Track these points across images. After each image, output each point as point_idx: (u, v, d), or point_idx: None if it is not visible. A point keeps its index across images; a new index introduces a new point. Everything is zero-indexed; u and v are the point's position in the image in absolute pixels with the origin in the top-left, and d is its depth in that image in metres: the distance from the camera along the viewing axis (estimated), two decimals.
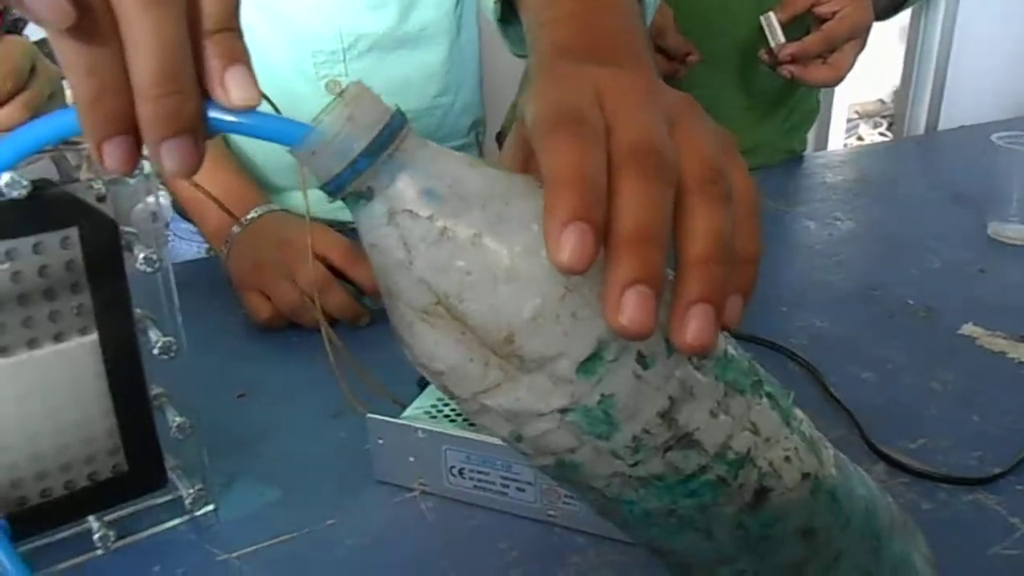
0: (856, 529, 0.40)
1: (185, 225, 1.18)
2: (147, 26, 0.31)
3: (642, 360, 0.33)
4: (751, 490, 0.37)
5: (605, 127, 0.36)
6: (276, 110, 0.41)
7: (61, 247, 0.49)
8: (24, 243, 0.48)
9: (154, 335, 0.54)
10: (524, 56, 0.86)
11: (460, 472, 0.60)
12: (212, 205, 0.83)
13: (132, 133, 0.33)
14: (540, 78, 0.42)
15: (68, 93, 0.88)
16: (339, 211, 1.07)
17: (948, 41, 3.10)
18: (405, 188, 0.33)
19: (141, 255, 0.52)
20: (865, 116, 4.27)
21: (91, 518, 0.55)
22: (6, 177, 0.46)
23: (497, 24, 0.82)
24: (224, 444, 0.65)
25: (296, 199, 1.12)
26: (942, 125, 3.11)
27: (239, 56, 0.33)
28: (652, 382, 0.34)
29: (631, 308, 0.31)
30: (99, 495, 0.55)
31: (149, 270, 0.52)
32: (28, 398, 0.50)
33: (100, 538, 0.55)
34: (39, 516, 0.53)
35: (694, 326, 0.32)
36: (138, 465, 0.56)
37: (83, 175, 0.51)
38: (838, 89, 2.91)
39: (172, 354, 0.55)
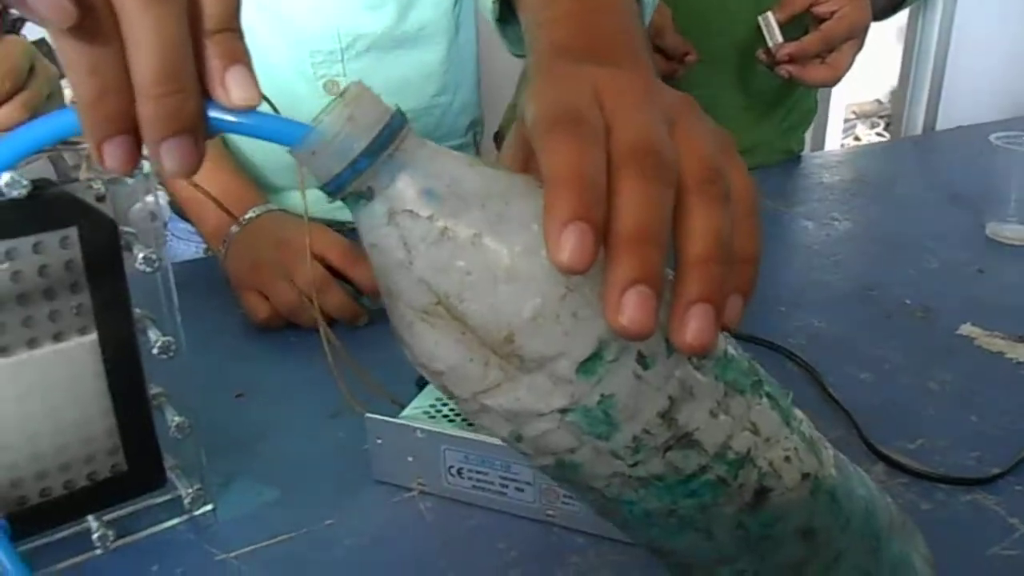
0: (856, 529, 0.40)
1: (183, 225, 1.18)
2: (148, 25, 0.31)
3: (642, 360, 0.33)
4: (751, 490, 0.37)
5: (604, 127, 0.36)
6: (275, 110, 0.41)
7: (61, 247, 0.49)
8: (24, 243, 0.48)
9: (153, 335, 0.54)
10: (522, 56, 0.86)
11: (459, 472, 0.60)
12: (210, 205, 0.83)
13: (132, 133, 0.33)
14: (539, 78, 0.42)
15: (67, 93, 0.88)
16: (337, 211, 1.07)
17: (946, 41, 3.11)
18: (405, 188, 0.33)
19: (140, 255, 0.52)
20: (862, 116, 4.27)
21: (90, 518, 0.55)
22: (6, 177, 0.46)
23: (495, 24, 0.82)
24: (222, 444, 0.65)
25: (294, 199, 1.12)
26: (940, 125, 3.11)
27: (240, 56, 0.33)
28: (652, 382, 0.34)
29: (631, 308, 0.31)
30: (98, 495, 0.55)
31: (148, 270, 0.52)
32: (28, 398, 0.50)
33: (99, 538, 0.55)
34: (39, 516, 0.53)
35: (694, 326, 0.32)
36: (137, 465, 0.56)
37: (82, 175, 0.51)
38: (835, 89, 2.91)
39: (171, 354, 0.55)
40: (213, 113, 0.33)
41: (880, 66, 3.70)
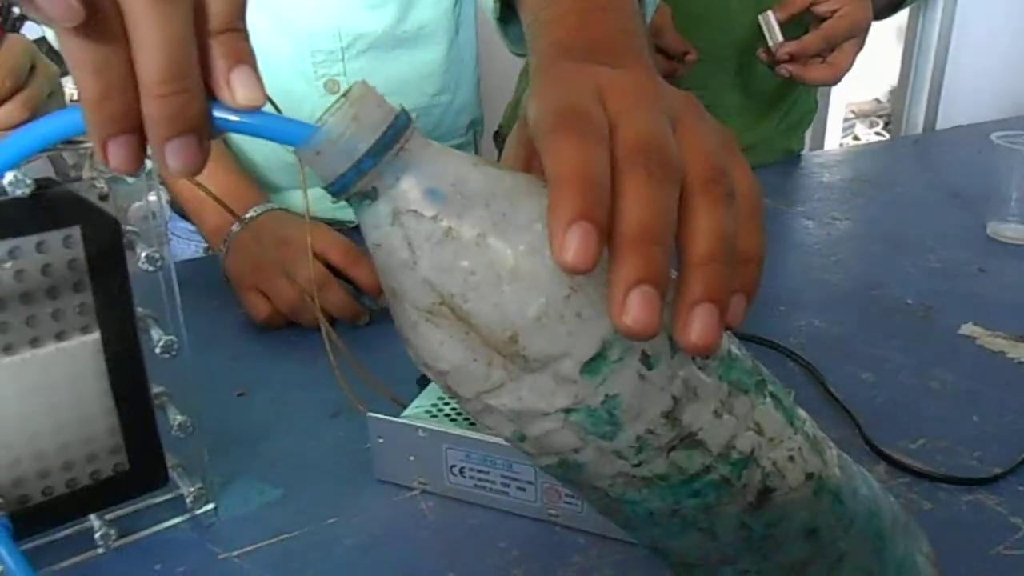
0: (859, 529, 0.40)
1: (183, 224, 1.18)
2: (154, 25, 0.31)
3: (646, 360, 0.33)
4: (755, 490, 0.37)
5: (608, 126, 0.36)
6: (277, 110, 0.41)
7: (64, 246, 0.49)
8: (27, 242, 0.48)
9: (156, 334, 0.54)
10: (523, 55, 0.86)
11: (460, 471, 0.60)
12: (211, 204, 0.83)
13: (137, 132, 0.33)
14: (541, 77, 0.42)
15: (68, 92, 0.88)
16: (338, 210, 1.07)
17: (946, 41, 3.11)
18: (409, 188, 0.33)
19: (143, 254, 0.52)
20: (861, 116, 4.27)
21: (92, 516, 0.55)
22: (9, 176, 0.46)
23: (496, 23, 0.82)
24: (224, 443, 0.65)
25: (295, 198, 1.12)
26: (939, 125, 3.12)
27: (244, 56, 0.33)
28: (656, 382, 0.34)
29: (636, 308, 0.31)
30: (101, 493, 0.55)
31: (151, 269, 0.52)
32: (31, 396, 0.50)
33: (101, 536, 0.55)
34: (41, 514, 0.53)
35: (698, 326, 0.32)
36: (139, 464, 0.56)
37: (85, 174, 0.51)
38: (835, 88, 2.92)
39: (173, 353, 0.55)
40: (218, 113, 0.33)
41: (879, 65, 3.70)
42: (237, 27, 0.33)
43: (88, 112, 0.32)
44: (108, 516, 0.56)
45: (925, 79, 3.19)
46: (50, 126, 0.35)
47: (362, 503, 0.62)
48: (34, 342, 0.50)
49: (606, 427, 0.34)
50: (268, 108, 0.34)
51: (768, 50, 1.25)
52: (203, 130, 0.33)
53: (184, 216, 1.11)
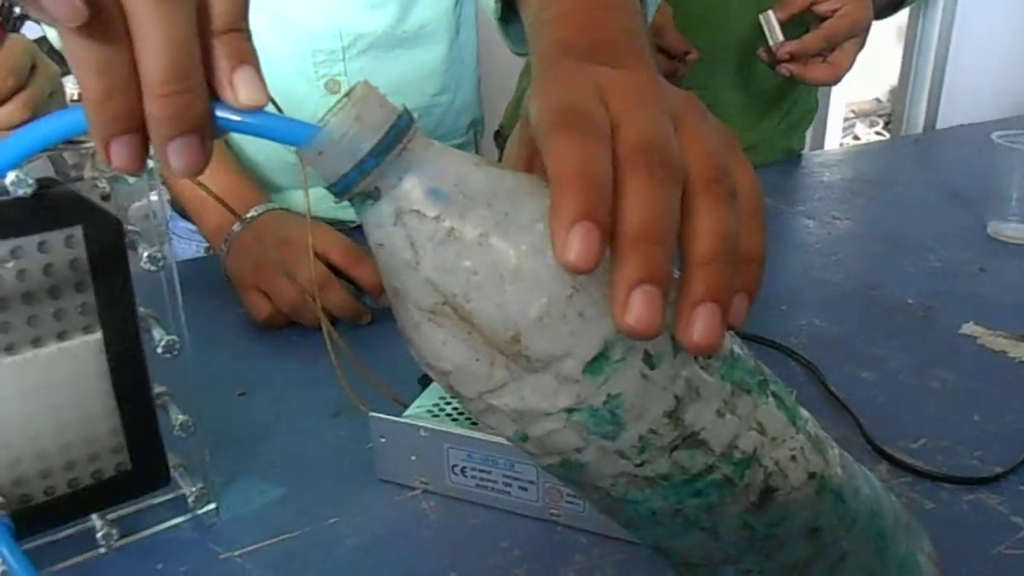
0: (861, 529, 0.40)
1: (183, 224, 1.18)
2: (158, 25, 0.31)
3: (649, 360, 0.33)
4: (757, 490, 0.37)
5: (610, 126, 0.36)
6: (279, 110, 0.41)
7: (66, 245, 0.49)
8: (29, 241, 0.48)
9: (157, 333, 0.54)
10: (524, 55, 0.86)
11: (462, 471, 0.60)
12: (212, 203, 0.83)
13: (140, 132, 0.33)
14: (543, 77, 0.42)
15: (68, 92, 0.88)
16: (339, 210, 1.07)
17: (946, 40, 3.11)
18: (412, 188, 0.33)
19: (145, 253, 0.52)
20: (861, 115, 4.27)
21: (94, 516, 0.55)
22: (11, 176, 0.46)
23: (497, 23, 0.82)
24: (225, 443, 0.65)
25: (296, 198, 1.12)
26: (940, 124, 3.11)
27: (247, 57, 0.33)
28: (659, 382, 0.34)
29: (638, 308, 0.31)
30: (102, 493, 0.55)
31: (153, 268, 0.52)
32: (32, 396, 0.50)
33: (103, 536, 0.55)
34: (43, 514, 0.53)
35: (701, 325, 0.32)
36: (141, 463, 0.56)
37: (87, 173, 0.51)
38: (835, 88, 2.92)
39: (175, 353, 0.55)
40: (220, 113, 0.33)
41: (880, 65, 3.70)
42: (240, 27, 0.34)
43: (91, 112, 0.32)
44: (110, 516, 0.56)
45: (925, 79, 3.19)
46: (51, 126, 0.35)
47: (364, 503, 0.62)
48: (36, 342, 0.50)
49: (608, 427, 0.34)
50: (269, 108, 0.34)
51: (769, 49, 1.25)
52: (206, 130, 0.33)
53: (185, 216, 1.11)
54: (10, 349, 0.49)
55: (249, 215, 0.91)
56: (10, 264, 0.48)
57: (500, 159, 0.72)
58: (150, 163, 0.35)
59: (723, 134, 0.39)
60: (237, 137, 1.07)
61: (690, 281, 0.33)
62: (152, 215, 0.53)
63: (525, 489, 0.59)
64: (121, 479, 0.55)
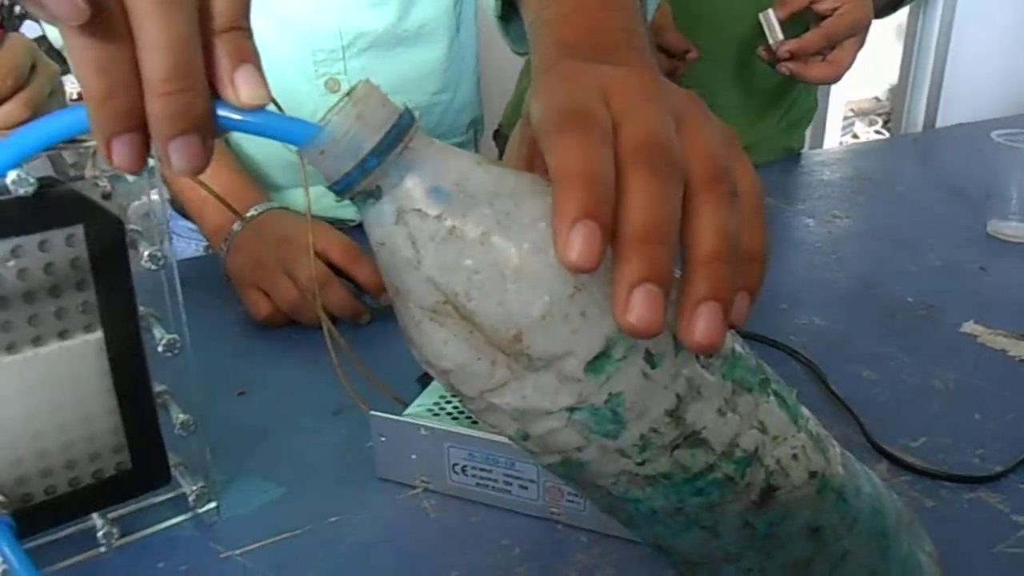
0: (863, 528, 0.40)
1: (183, 223, 1.18)
2: (159, 23, 0.31)
3: (650, 359, 0.34)
4: (758, 489, 0.37)
5: (612, 125, 0.36)
6: (280, 109, 0.41)
7: (67, 244, 0.49)
8: (30, 240, 0.48)
9: (158, 332, 0.54)
10: (524, 54, 0.86)
11: (463, 469, 0.60)
12: (212, 203, 0.83)
13: (141, 131, 0.33)
14: (545, 76, 0.42)
15: (68, 91, 0.88)
16: (339, 209, 1.07)
17: (946, 39, 3.11)
18: (414, 187, 0.33)
19: (146, 252, 0.52)
20: (860, 114, 4.27)
21: (95, 515, 0.55)
22: (13, 174, 0.45)
23: (498, 22, 0.82)
24: (225, 442, 0.65)
25: (296, 197, 1.12)
26: (939, 123, 3.11)
27: (249, 56, 0.33)
28: (660, 380, 0.34)
29: (640, 307, 0.31)
30: (103, 492, 0.55)
31: (154, 267, 0.52)
32: (33, 395, 0.50)
33: (104, 535, 0.55)
34: (44, 513, 0.53)
35: (702, 324, 0.33)
36: (142, 462, 0.56)
37: (88, 172, 0.51)
38: (834, 87, 2.92)
39: (175, 351, 0.55)
40: (222, 112, 0.33)
41: (879, 64, 3.70)
42: (241, 26, 0.34)
43: (92, 110, 0.32)
44: (110, 515, 0.56)
45: (925, 77, 3.19)
46: (53, 125, 0.35)
47: (364, 501, 0.62)
48: (37, 341, 0.50)
49: (610, 426, 0.34)
50: (270, 107, 0.34)
51: (768, 48, 1.25)
52: (207, 129, 0.33)
53: (184, 214, 1.11)
54: (11, 348, 0.49)
55: (249, 214, 0.91)
56: (11, 263, 0.48)
57: (500, 158, 0.72)
58: (150, 162, 0.35)
59: (724, 133, 0.39)
60: (237, 136, 1.07)
61: (692, 280, 0.33)
62: (152, 214, 0.53)
63: (525, 488, 0.59)
64: (122, 478, 0.55)
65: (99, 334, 0.52)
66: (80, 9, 0.30)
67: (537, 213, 0.33)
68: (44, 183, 0.48)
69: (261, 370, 0.81)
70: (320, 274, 0.85)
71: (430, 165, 0.33)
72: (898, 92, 3.36)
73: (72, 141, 0.49)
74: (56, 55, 0.91)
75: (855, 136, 4.14)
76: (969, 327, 0.85)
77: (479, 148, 1.33)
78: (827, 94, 3.10)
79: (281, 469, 0.66)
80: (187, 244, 1.22)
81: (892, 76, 3.54)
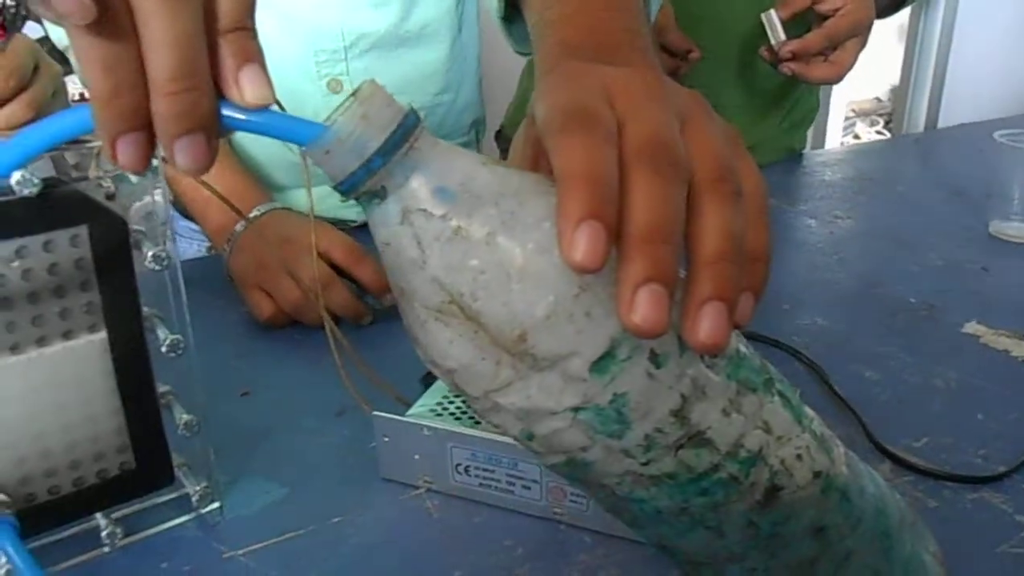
0: (867, 528, 0.40)
1: (185, 223, 1.18)
2: (165, 23, 0.31)
3: (655, 359, 0.34)
4: (763, 488, 0.37)
5: (616, 125, 0.36)
6: (283, 110, 0.41)
7: (71, 245, 0.49)
8: (34, 241, 0.48)
9: (162, 333, 0.54)
10: (527, 55, 0.87)
11: (466, 470, 0.60)
12: (215, 203, 0.83)
13: (146, 130, 0.33)
14: (549, 76, 0.42)
15: (71, 90, 0.88)
16: (342, 209, 1.07)
17: (948, 39, 3.11)
18: (419, 187, 0.33)
19: (150, 253, 0.52)
20: (862, 114, 4.27)
21: (99, 515, 0.55)
22: (17, 175, 0.46)
23: (501, 22, 0.82)
24: (228, 442, 0.65)
25: (299, 197, 1.12)
26: (941, 123, 3.11)
27: (253, 55, 0.33)
28: (665, 381, 0.34)
29: (644, 306, 0.31)
30: (107, 492, 0.55)
31: (158, 268, 0.53)
32: (37, 395, 0.50)
33: (107, 535, 0.55)
34: (48, 513, 0.53)
35: (707, 324, 0.32)
36: (146, 463, 0.56)
37: (92, 173, 0.51)
38: (836, 87, 2.92)
39: (179, 352, 0.55)
40: (226, 111, 0.33)
41: (881, 64, 3.70)
42: (246, 26, 0.34)
43: (98, 109, 0.32)
44: (114, 515, 0.56)
45: (927, 78, 3.18)
46: (56, 126, 0.35)
47: (367, 502, 0.62)
48: (41, 341, 0.50)
49: (614, 426, 0.34)
50: (273, 108, 0.34)
51: (770, 48, 1.25)
52: (212, 128, 0.33)
53: (186, 215, 1.11)
54: (15, 348, 0.49)
55: (252, 215, 0.91)
56: (15, 263, 0.48)
57: (502, 159, 0.72)
58: (154, 162, 0.35)
59: (728, 133, 0.39)
60: (239, 136, 1.07)
61: (696, 280, 0.33)
62: (155, 214, 0.53)
63: (528, 488, 0.59)
64: (125, 478, 0.55)
65: (103, 334, 0.52)
66: (87, 8, 0.30)
67: (542, 213, 0.33)
68: (48, 184, 0.48)
69: (264, 371, 0.81)
70: (323, 275, 0.85)
71: (435, 165, 0.33)
72: (900, 92, 3.36)
73: (75, 142, 0.49)
74: (59, 56, 0.91)
75: (856, 136, 4.14)
76: (971, 327, 0.85)
77: (481, 149, 1.33)
78: (828, 94, 3.10)
79: (284, 469, 0.66)
80: (189, 244, 1.22)
81: (894, 76, 3.54)
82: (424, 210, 0.33)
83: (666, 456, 0.35)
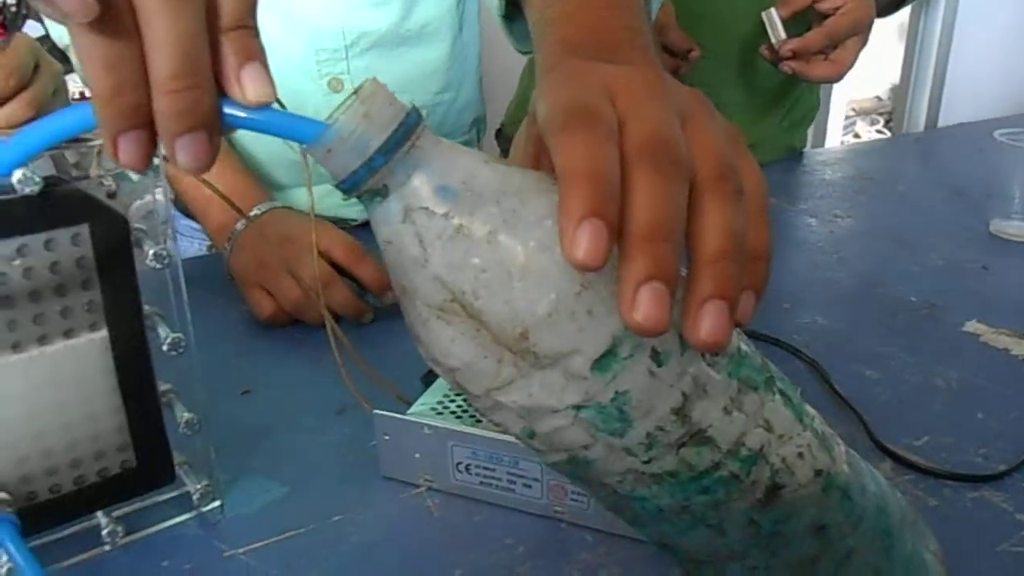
0: (868, 526, 0.40)
1: (185, 222, 1.18)
2: (167, 21, 0.31)
3: (656, 357, 0.34)
4: (764, 487, 0.37)
5: (618, 123, 0.36)
6: (283, 108, 0.41)
7: (72, 244, 0.49)
8: (35, 239, 0.48)
9: (163, 331, 0.54)
10: (528, 53, 0.87)
11: (466, 468, 0.60)
12: (215, 202, 0.83)
13: (148, 128, 0.33)
14: (550, 75, 0.42)
15: (71, 90, 0.88)
16: (342, 208, 1.07)
17: (948, 38, 3.11)
18: (421, 185, 0.33)
19: (151, 251, 0.52)
20: (862, 113, 4.27)
21: (99, 514, 0.55)
22: (18, 173, 0.46)
23: (501, 21, 0.82)
24: (229, 441, 0.65)
25: (299, 196, 1.12)
26: (941, 122, 3.11)
27: (255, 54, 0.33)
28: (666, 379, 0.34)
29: (646, 305, 0.31)
30: (108, 491, 0.55)
31: (159, 266, 0.53)
32: (38, 394, 0.50)
33: (108, 534, 0.55)
34: (48, 511, 0.53)
35: (708, 323, 0.33)
36: (147, 461, 0.56)
37: (93, 171, 0.51)
38: (836, 86, 2.92)
39: (180, 350, 0.55)
40: (228, 110, 0.33)
41: (881, 63, 3.70)
42: (248, 24, 0.34)
43: (100, 107, 0.32)
44: (115, 513, 0.56)
45: (927, 77, 3.18)
46: (57, 124, 0.35)
47: (368, 500, 0.62)
48: (42, 340, 0.50)
49: (616, 424, 0.34)
50: (274, 106, 0.34)
51: (771, 47, 1.25)
52: (214, 126, 0.33)
53: (187, 214, 1.11)
54: (16, 347, 0.49)
55: (253, 213, 0.91)
56: (17, 262, 0.48)
57: (503, 157, 0.72)
58: (155, 161, 0.35)
59: (729, 131, 0.39)
60: (240, 135, 1.07)
61: (698, 278, 0.33)
62: (156, 213, 0.53)
63: (529, 486, 0.59)
64: (126, 477, 0.55)
65: (104, 333, 0.52)
66: (89, 6, 0.30)
67: (543, 211, 0.33)
68: (49, 182, 0.48)
69: (265, 369, 0.81)
70: (323, 273, 0.85)
71: (437, 163, 0.33)
72: (900, 91, 3.36)
73: (75, 140, 0.49)
74: (59, 54, 0.92)
75: (856, 135, 4.14)
76: (971, 326, 0.85)
77: (481, 148, 1.33)
78: (829, 93, 3.10)
79: (285, 468, 0.66)
80: (190, 243, 1.22)
81: (894, 75, 3.54)
82: (426, 208, 0.33)
83: (667, 454, 0.35)
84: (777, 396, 0.38)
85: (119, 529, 0.56)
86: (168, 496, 0.59)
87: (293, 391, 0.77)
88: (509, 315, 0.32)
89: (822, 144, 3.13)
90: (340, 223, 0.92)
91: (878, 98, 4.30)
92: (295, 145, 0.33)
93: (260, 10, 0.34)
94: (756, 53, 1.28)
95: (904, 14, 3.13)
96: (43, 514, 0.53)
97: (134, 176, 0.52)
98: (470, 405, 0.61)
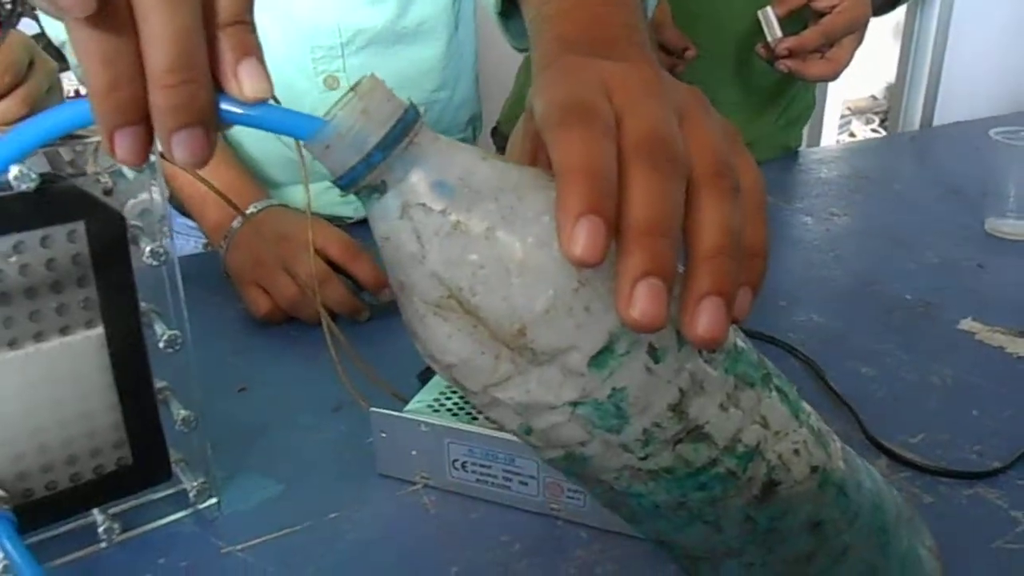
0: (863, 523, 0.40)
1: (182, 220, 1.18)
2: (163, 16, 0.31)
3: (653, 353, 0.34)
4: (760, 483, 0.37)
5: (614, 119, 0.36)
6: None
7: (68, 240, 0.49)
8: (31, 236, 0.48)
9: (159, 328, 0.54)
10: (524, 50, 0.86)
11: (463, 465, 0.60)
12: (212, 199, 0.83)
13: (144, 123, 0.33)
14: (547, 72, 0.42)
15: (66, 86, 0.88)
16: (339, 206, 1.07)
17: (943, 37, 3.11)
18: (418, 182, 0.33)
19: (147, 248, 0.52)
20: (857, 112, 4.27)
21: (96, 511, 0.55)
22: (15, 170, 0.45)
23: (498, 18, 0.82)
24: (226, 438, 0.65)
25: (295, 194, 1.12)
26: (936, 121, 3.11)
27: (252, 49, 0.33)
28: (663, 375, 0.34)
29: (643, 301, 0.31)
30: (104, 488, 0.55)
31: (155, 263, 0.52)
32: (34, 391, 0.50)
33: (105, 531, 0.55)
34: (45, 508, 0.53)
35: (705, 319, 0.33)
36: (143, 458, 0.56)
37: (89, 168, 0.51)
38: (832, 85, 2.92)
39: (176, 347, 0.55)
40: (225, 105, 0.33)
41: (876, 62, 3.70)
42: (245, 20, 0.34)
43: (96, 103, 0.32)
44: (111, 510, 0.56)
45: (922, 76, 3.18)
46: (52, 120, 0.35)
47: (364, 498, 0.62)
48: (38, 337, 0.50)
49: (613, 420, 0.34)
50: (271, 102, 0.34)
51: (767, 46, 1.25)
52: (210, 121, 0.33)
53: (183, 212, 1.11)
54: (12, 344, 0.49)
55: (249, 211, 0.91)
56: (13, 259, 0.48)
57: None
58: (152, 158, 0.35)
59: (726, 128, 0.39)
60: (236, 132, 1.07)
61: (695, 275, 0.33)
62: (152, 210, 0.53)
63: (526, 484, 0.59)
64: (123, 474, 0.55)
65: (100, 330, 0.52)
66: (87, 1, 0.30)
67: (541, 207, 0.33)
68: (46, 179, 0.48)
69: (261, 367, 0.81)
70: (319, 271, 0.84)
71: (435, 160, 0.33)
72: (895, 90, 3.36)
73: (70, 137, 0.49)
74: (54, 52, 0.91)
75: (852, 134, 4.14)
76: (967, 324, 0.86)
77: (477, 145, 1.33)
78: (824, 92, 3.10)
79: (281, 465, 0.66)
80: (186, 241, 1.22)
81: (889, 74, 3.54)
82: (423, 204, 0.33)
83: (664, 450, 0.35)
84: (773, 392, 0.38)
85: (115, 526, 0.56)
86: (164, 493, 0.59)
87: (289, 388, 0.77)
88: (507, 311, 0.32)
89: (818, 143, 3.13)
90: (336, 221, 0.92)
91: (874, 97, 4.31)
92: (291, 142, 0.33)
93: (256, 8, 0.34)
94: (752, 52, 1.28)
95: (900, 13, 3.13)
96: (39, 511, 0.53)
97: (130, 173, 0.52)
98: (467, 402, 0.61)
